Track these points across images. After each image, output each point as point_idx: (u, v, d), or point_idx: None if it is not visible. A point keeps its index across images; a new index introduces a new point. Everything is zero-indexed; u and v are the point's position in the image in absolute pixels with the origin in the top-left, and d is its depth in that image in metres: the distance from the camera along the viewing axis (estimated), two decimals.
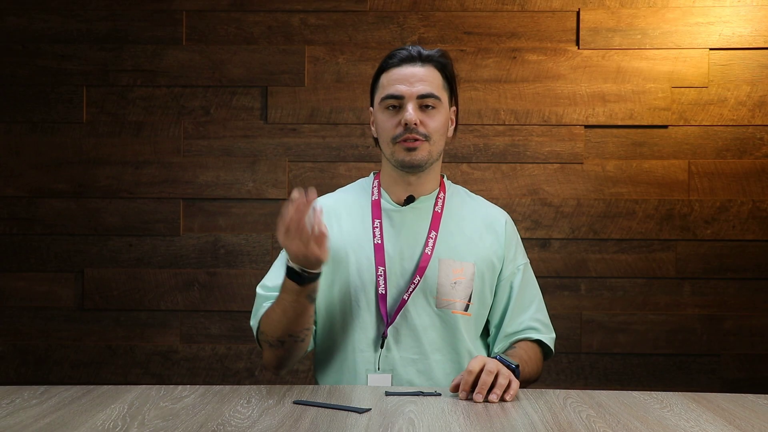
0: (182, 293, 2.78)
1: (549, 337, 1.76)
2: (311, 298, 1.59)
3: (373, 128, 1.78)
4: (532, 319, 1.75)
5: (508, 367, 1.51)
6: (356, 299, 1.70)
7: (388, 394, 1.51)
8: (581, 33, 2.75)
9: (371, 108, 1.78)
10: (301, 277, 1.53)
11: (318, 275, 1.55)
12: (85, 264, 2.79)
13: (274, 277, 1.73)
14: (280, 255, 1.78)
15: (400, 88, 1.68)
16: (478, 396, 1.45)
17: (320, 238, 1.48)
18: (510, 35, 2.77)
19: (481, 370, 1.46)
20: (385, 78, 1.72)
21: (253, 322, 1.72)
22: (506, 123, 2.76)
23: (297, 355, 1.68)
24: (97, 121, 2.79)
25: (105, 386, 1.55)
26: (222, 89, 2.78)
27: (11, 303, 2.79)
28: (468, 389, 1.46)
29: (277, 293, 1.67)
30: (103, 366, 2.79)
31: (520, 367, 1.57)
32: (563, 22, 2.76)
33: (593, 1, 2.75)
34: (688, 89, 2.74)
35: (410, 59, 1.70)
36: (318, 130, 2.78)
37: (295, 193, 1.46)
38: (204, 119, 2.79)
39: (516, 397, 1.49)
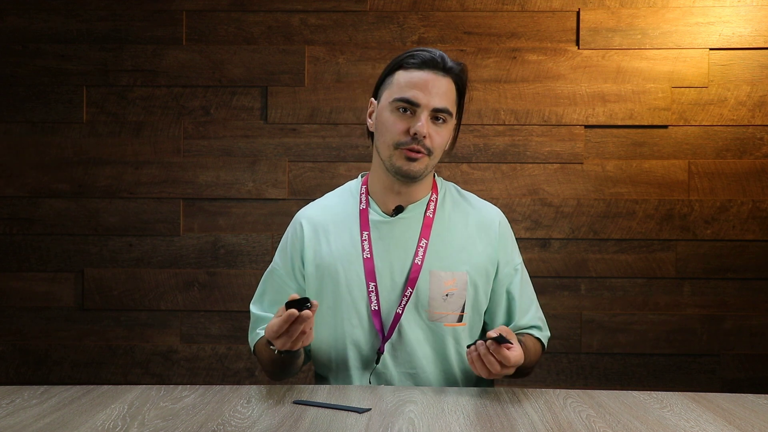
0: (182, 293, 2.78)
1: (546, 336, 1.78)
2: (296, 356, 1.62)
3: (370, 120, 1.70)
4: (534, 318, 1.76)
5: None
6: (348, 316, 1.67)
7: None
8: (581, 33, 2.75)
9: (373, 100, 1.70)
10: (281, 352, 1.55)
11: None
12: (85, 264, 2.79)
13: (265, 293, 1.76)
14: (269, 269, 1.77)
15: (418, 96, 1.60)
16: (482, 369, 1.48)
17: (308, 335, 1.49)
18: (510, 35, 2.77)
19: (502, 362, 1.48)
20: (402, 76, 1.63)
21: (250, 341, 1.76)
22: (506, 123, 2.76)
23: (292, 376, 1.73)
24: (97, 121, 2.79)
25: (105, 386, 1.55)
26: (222, 89, 2.78)
27: (11, 303, 2.79)
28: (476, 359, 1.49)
29: (270, 314, 1.71)
30: (103, 366, 2.79)
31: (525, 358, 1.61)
32: (563, 22, 2.76)
33: (593, 1, 2.75)
34: (688, 89, 2.74)
35: (433, 64, 1.62)
36: (318, 130, 2.78)
37: (294, 312, 1.42)
38: (204, 119, 2.79)
39: (516, 397, 1.50)
